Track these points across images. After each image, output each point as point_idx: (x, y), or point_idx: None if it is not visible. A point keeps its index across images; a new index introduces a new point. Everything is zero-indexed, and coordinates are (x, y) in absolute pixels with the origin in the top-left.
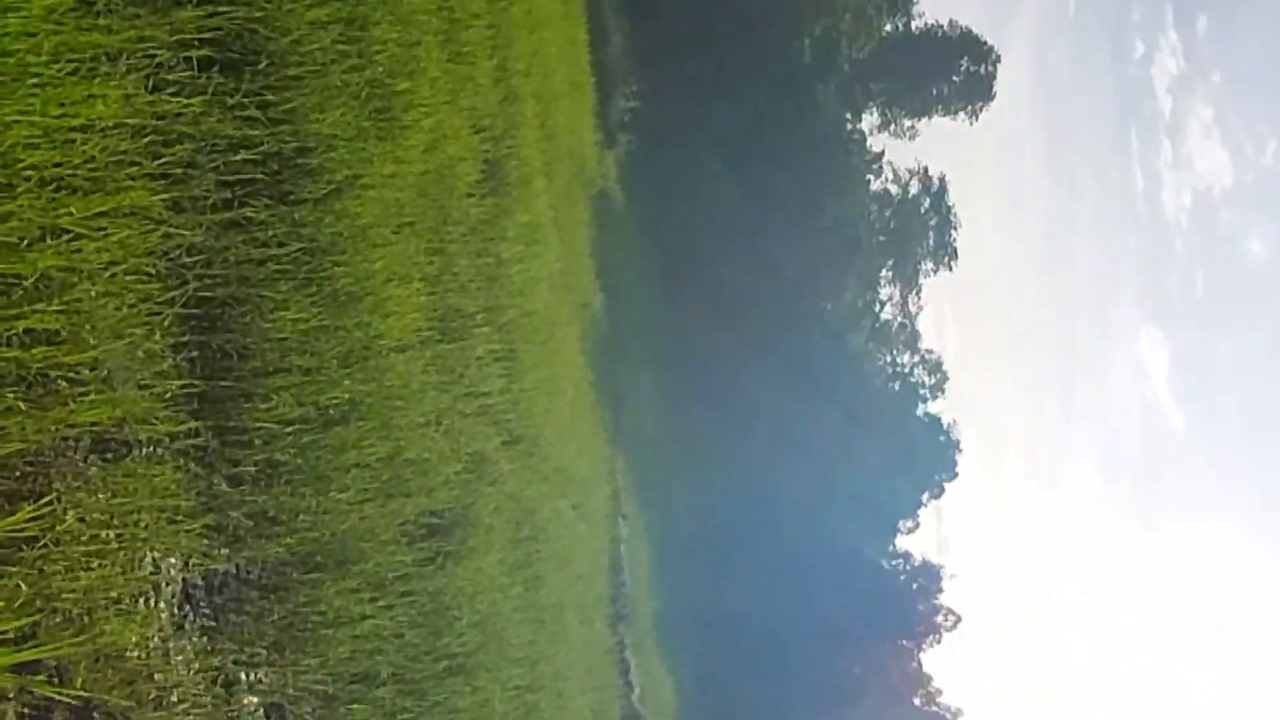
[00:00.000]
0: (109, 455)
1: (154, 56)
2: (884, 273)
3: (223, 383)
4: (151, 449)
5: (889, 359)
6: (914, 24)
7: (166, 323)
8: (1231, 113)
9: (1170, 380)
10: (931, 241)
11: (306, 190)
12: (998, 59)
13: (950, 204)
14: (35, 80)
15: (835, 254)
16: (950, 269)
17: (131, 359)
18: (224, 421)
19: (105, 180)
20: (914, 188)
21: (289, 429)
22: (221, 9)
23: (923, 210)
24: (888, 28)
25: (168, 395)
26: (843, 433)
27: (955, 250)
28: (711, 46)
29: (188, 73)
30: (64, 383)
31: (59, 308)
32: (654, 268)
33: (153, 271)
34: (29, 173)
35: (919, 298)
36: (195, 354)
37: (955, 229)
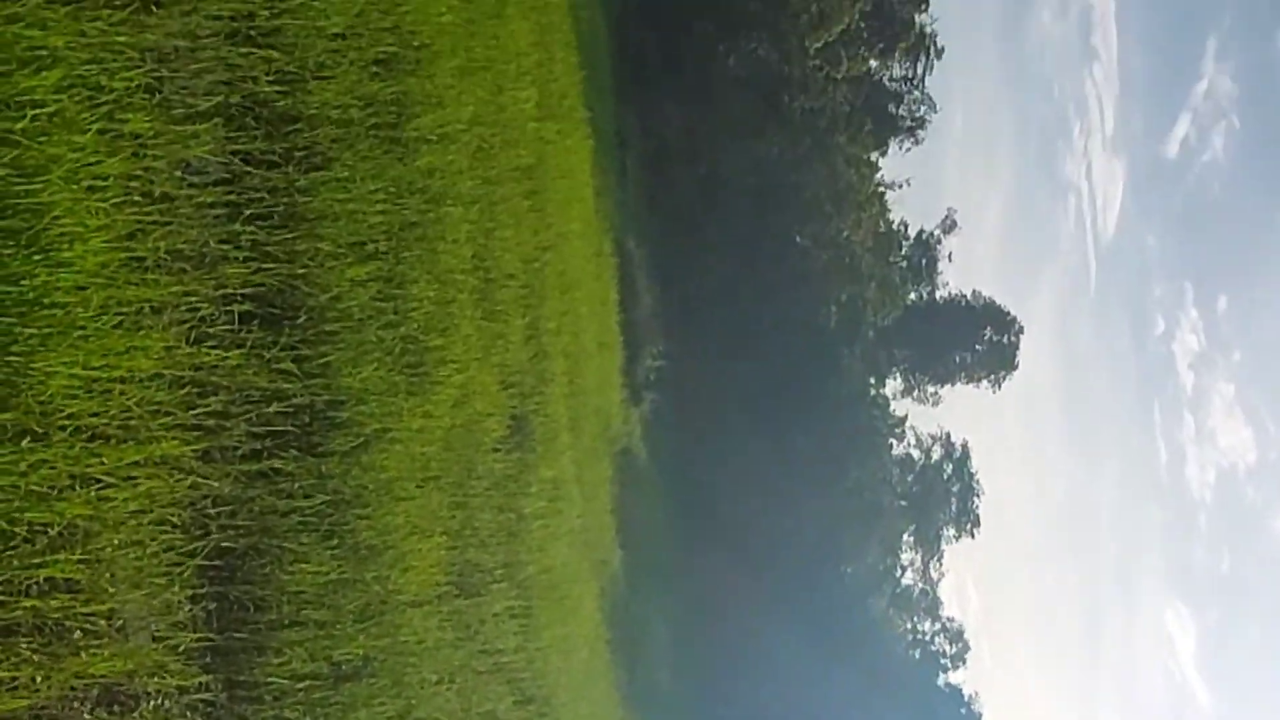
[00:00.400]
0: (116, 708)
1: (197, 310)
2: (906, 538)
3: (236, 635)
4: (160, 701)
5: (910, 626)
6: (938, 293)
7: (186, 574)
8: (1253, 391)
9: (1197, 657)
10: (954, 508)
11: (335, 443)
12: (1021, 330)
13: (973, 471)
14: (81, 332)
15: (857, 517)
16: (972, 536)
17: (148, 609)
18: (235, 675)
19: (139, 430)
20: (937, 453)
21: (300, 684)
22: (266, 266)
23: (945, 476)
24: (912, 296)
25: (181, 648)
26: (862, 700)
27: (978, 517)
28: (739, 310)
29: (228, 326)
30: (79, 633)
31: (81, 557)
32: (675, 527)
33: (177, 522)
34: (65, 422)
35: (940, 564)
36: (213, 605)
37: (978, 496)
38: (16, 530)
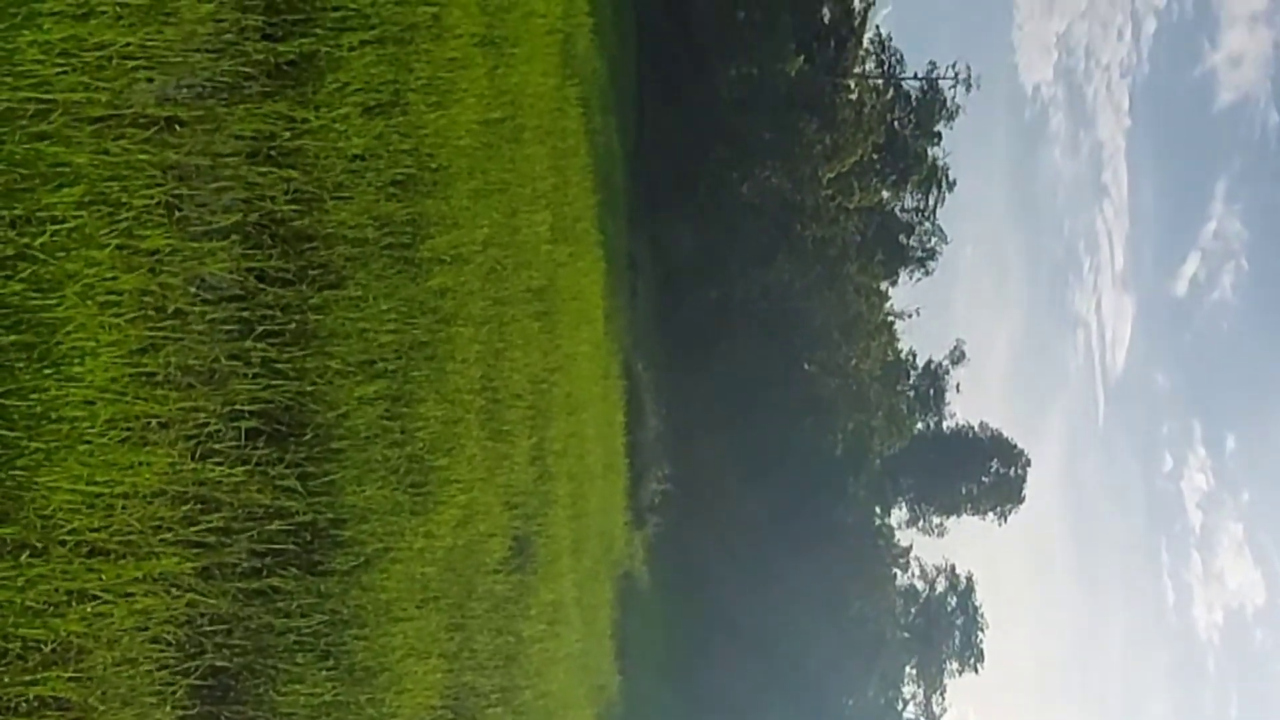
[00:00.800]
0: None
1: (205, 425)
2: (908, 670)
3: None
4: None
5: None
6: (945, 424)
7: (179, 693)
8: (1262, 532)
9: None
10: (957, 642)
11: (336, 562)
12: (1028, 463)
13: (977, 604)
14: (86, 447)
15: (860, 649)
16: (976, 671)
17: None
18: None
19: (139, 546)
20: (941, 585)
21: None
22: (275, 382)
23: (949, 609)
24: (919, 426)
25: None
26: None
27: (981, 652)
28: (745, 436)
29: (234, 442)
30: None
31: (74, 674)
32: (674, 653)
33: (172, 640)
34: (66, 537)
35: (943, 699)
36: None
37: (982, 630)
38: (10, 646)
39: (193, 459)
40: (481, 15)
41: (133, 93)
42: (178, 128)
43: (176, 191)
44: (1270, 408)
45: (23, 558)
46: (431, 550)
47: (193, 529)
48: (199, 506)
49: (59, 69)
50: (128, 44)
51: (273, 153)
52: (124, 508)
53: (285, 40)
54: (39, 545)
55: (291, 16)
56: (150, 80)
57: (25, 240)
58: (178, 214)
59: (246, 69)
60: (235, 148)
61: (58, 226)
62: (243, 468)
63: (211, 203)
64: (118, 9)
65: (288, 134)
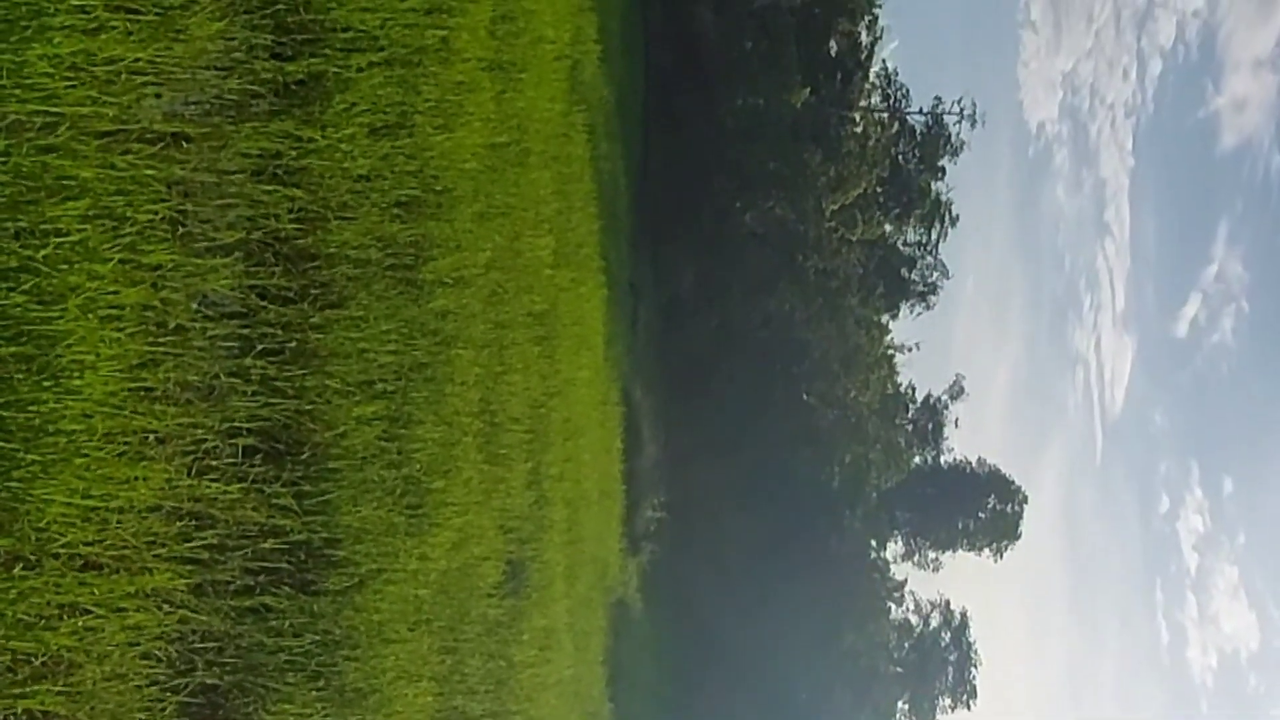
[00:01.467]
0: None
1: (202, 442)
2: (900, 705)
3: None
4: None
5: None
6: (943, 458)
7: (168, 710)
8: (1258, 576)
9: None
10: (950, 677)
11: (329, 582)
12: (1025, 500)
13: (971, 640)
14: (83, 460)
15: (852, 682)
16: (969, 708)
17: None
18: None
19: (132, 561)
20: (935, 620)
21: None
22: (274, 400)
23: (943, 645)
24: (917, 460)
25: None
26: None
27: (975, 689)
28: (742, 465)
29: (231, 459)
30: None
31: (63, 689)
32: (667, 682)
33: (163, 656)
34: (60, 550)
35: None
36: None
37: (975, 667)
38: (0, 659)
39: (189, 475)
40: (490, 40)
41: (140, 108)
42: (184, 144)
43: (181, 207)
44: (1268, 452)
45: (15, 570)
46: (425, 572)
47: (187, 545)
48: (194, 523)
49: (68, 83)
50: (137, 59)
51: (278, 171)
52: (119, 522)
53: (294, 60)
54: (32, 558)
55: (301, 36)
56: (158, 96)
57: (29, 252)
58: (181, 229)
59: (254, 87)
60: (241, 165)
61: (62, 239)
62: (239, 485)
63: (215, 219)
64: (128, 24)
65: (294, 153)
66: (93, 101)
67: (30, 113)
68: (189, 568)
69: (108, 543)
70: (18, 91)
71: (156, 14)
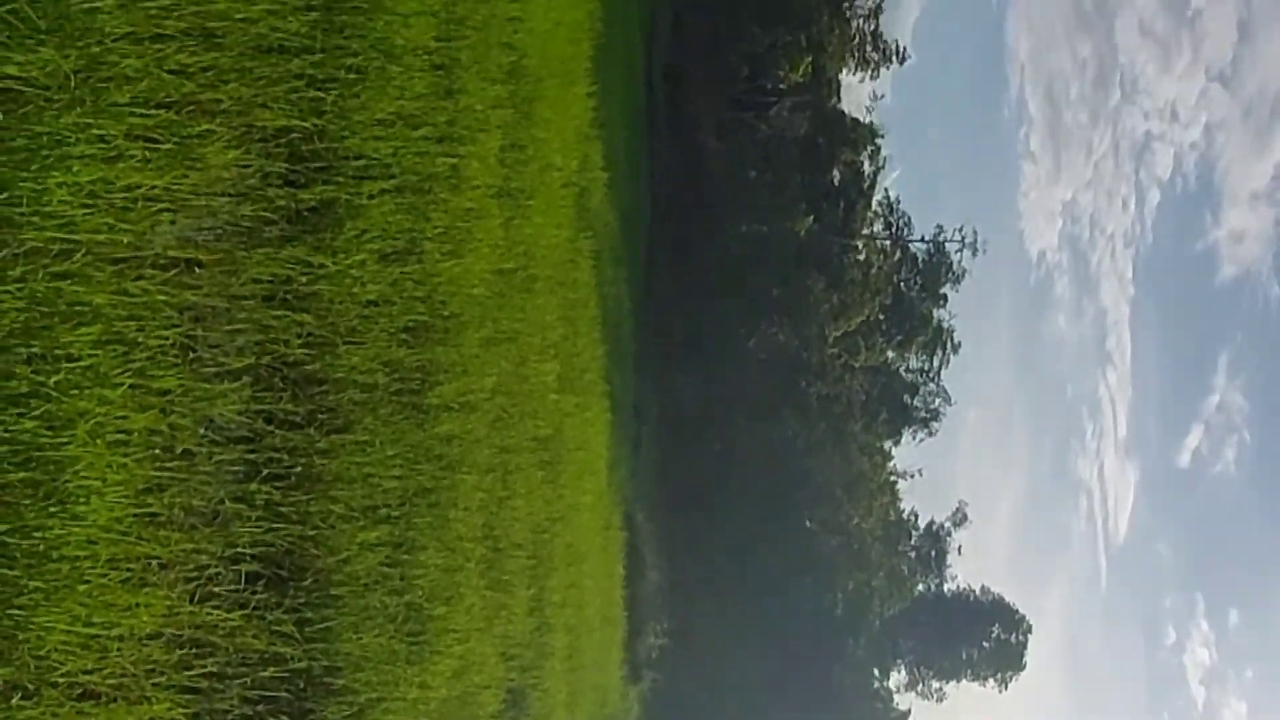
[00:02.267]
0: None
1: (205, 568)
2: None
3: None
4: None
5: None
6: (947, 586)
7: None
8: (1267, 712)
9: None
10: None
11: (329, 711)
12: (1029, 629)
13: None
14: (86, 587)
15: None
16: None
17: None
18: None
19: (131, 690)
20: None
21: None
22: (278, 526)
23: None
24: (920, 588)
25: None
26: None
27: None
28: (745, 591)
29: (234, 585)
30: None
31: None
32: None
33: None
34: (59, 679)
35: None
36: None
37: None
38: None
39: (191, 601)
40: (500, 167)
41: (155, 234)
42: (197, 269)
43: (191, 332)
44: (1274, 584)
45: (14, 700)
46: (425, 701)
47: (186, 674)
48: (194, 650)
49: (86, 210)
50: (154, 187)
51: (288, 296)
52: (119, 650)
53: (307, 187)
54: (31, 687)
55: (314, 164)
56: (173, 222)
57: (40, 378)
58: (191, 355)
59: (267, 213)
60: (252, 290)
61: (73, 364)
62: (240, 612)
63: (225, 344)
64: (146, 153)
65: (304, 278)
66: (109, 228)
67: (48, 239)
68: (188, 697)
69: (107, 671)
70: (36, 219)
71: (175, 143)
